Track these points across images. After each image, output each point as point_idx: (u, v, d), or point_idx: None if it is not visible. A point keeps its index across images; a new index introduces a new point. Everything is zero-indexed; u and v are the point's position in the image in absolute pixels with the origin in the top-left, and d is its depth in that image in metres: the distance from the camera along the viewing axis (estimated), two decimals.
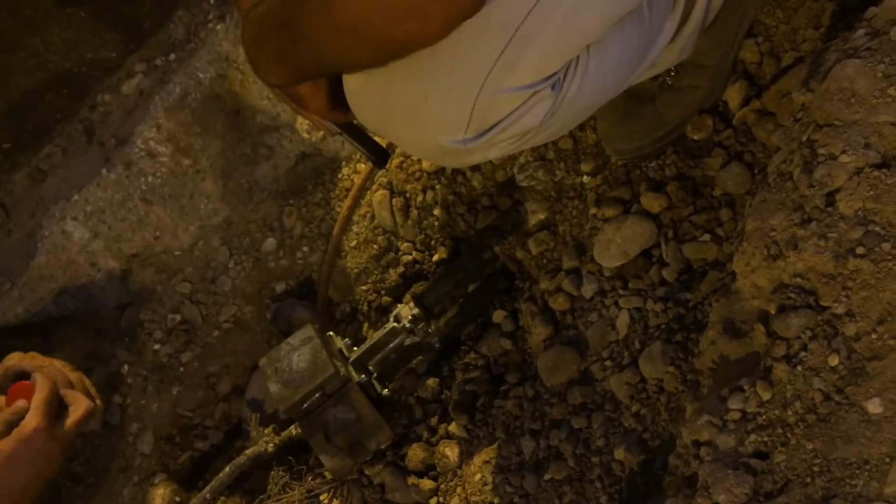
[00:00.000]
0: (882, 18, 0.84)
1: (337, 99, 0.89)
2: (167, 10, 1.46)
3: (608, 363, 1.12)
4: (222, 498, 1.34)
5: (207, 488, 1.28)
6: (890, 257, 0.74)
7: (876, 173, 0.75)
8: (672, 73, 1.12)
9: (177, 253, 1.48)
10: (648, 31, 0.92)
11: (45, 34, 1.36)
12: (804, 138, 0.83)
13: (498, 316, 1.33)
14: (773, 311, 0.81)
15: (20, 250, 1.45)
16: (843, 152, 0.77)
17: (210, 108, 1.44)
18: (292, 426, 1.32)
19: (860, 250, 0.75)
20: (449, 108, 0.79)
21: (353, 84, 0.84)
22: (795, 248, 0.79)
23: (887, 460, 0.68)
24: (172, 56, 1.46)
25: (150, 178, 1.44)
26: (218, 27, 1.44)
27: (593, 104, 0.91)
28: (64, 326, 1.47)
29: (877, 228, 0.74)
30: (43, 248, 1.43)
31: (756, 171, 1.08)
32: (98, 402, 1.16)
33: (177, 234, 1.47)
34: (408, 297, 1.37)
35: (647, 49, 0.93)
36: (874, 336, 0.72)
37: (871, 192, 0.75)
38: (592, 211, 1.22)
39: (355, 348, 1.33)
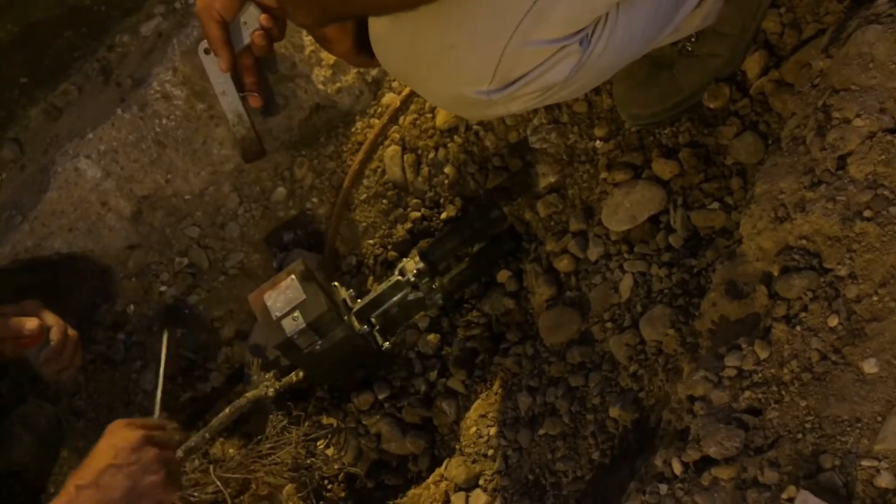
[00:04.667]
0: None
1: (363, 43, 0.89)
2: None
3: (609, 325, 1.13)
4: (221, 439, 1.36)
5: (206, 428, 1.30)
6: None
7: (889, 138, 0.75)
8: (692, 40, 1.11)
9: (187, 197, 1.48)
10: None
11: None
12: (820, 103, 0.83)
13: (502, 276, 1.34)
14: (776, 273, 0.82)
15: (33, 185, 1.46)
16: (858, 116, 0.77)
17: None
18: (293, 373, 1.34)
19: (867, 213, 0.75)
20: (475, 59, 0.79)
21: (379, 29, 0.83)
22: (803, 210, 0.79)
23: (879, 419, 0.68)
24: None
25: (164, 121, 1.45)
26: None
27: (617, 63, 0.91)
28: (72, 263, 1.48)
29: (885, 192, 0.74)
30: (55, 184, 1.44)
31: (770, 142, 1.07)
32: (77, 360, 1.23)
33: (188, 179, 1.48)
34: (413, 251, 1.37)
35: (673, 12, 0.93)
36: (875, 298, 0.72)
37: (883, 157, 0.75)
38: (603, 175, 1.22)
39: (359, 300, 1.34)
